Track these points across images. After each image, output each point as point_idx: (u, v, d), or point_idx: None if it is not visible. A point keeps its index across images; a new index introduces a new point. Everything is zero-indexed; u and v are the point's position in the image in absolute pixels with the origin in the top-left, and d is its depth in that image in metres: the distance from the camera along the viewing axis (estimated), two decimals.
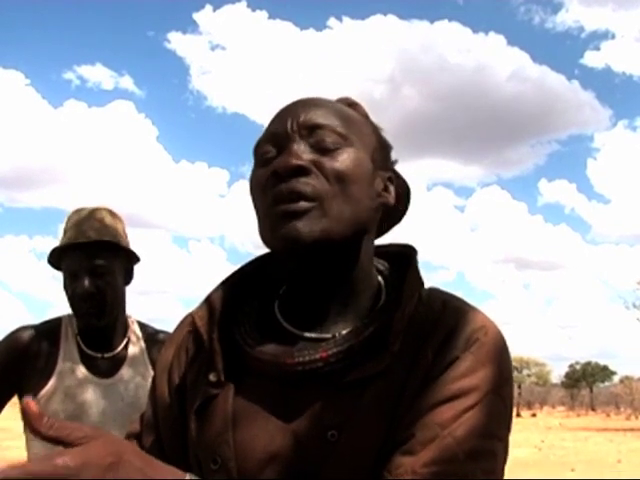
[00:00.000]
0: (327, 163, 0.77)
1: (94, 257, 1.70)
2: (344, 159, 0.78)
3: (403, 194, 0.90)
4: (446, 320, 0.77)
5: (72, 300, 1.71)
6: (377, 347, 0.75)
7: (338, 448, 0.72)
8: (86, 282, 1.68)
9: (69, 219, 1.77)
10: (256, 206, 0.80)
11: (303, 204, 0.75)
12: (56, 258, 1.77)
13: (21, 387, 1.72)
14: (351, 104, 0.88)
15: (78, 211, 1.78)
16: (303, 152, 0.77)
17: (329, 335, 0.78)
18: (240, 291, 0.86)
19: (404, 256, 0.86)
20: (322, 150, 0.78)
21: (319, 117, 0.80)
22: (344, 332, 0.78)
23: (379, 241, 0.89)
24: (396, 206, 0.87)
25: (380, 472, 0.70)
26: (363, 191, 0.79)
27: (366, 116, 0.88)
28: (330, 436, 0.72)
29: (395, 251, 0.88)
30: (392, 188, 0.85)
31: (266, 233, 0.78)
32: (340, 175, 0.77)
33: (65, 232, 1.76)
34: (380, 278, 0.85)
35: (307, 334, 0.79)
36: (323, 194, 0.76)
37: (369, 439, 0.72)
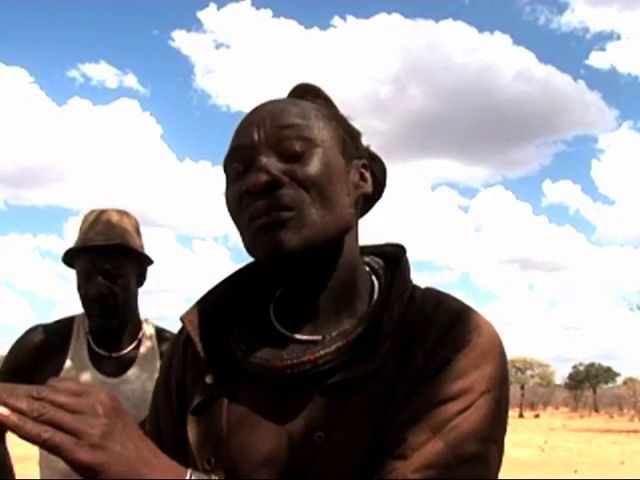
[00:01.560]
0: (298, 170, 0.76)
1: (106, 259, 1.72)
2: (314, 163, 0.76)
3: (381, 175, 0.89)
4: (439, 320, 0.76)
5: (84, 301, 1.73)
6: (367, 349, 0.75)
7: (326, 449, 0.72)
8: (98, 284, 1.70)
9: (84, 219, 1.79)
10: (235, 223, 0.80)
11: (281, 215, 0.74)
12: (70, 258, 1.79)
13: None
14: (313, 92, 0.86)
15: (93, 212, 1.80)
16: (272, 164, 0.76)
17: (319, 337, 0.78)
18: (235, 294, 0.87)
19: (396, 256, 0.86)
20: (291, 157, 0.77)
21: (283, 124, 0.78)
22: (334, 334, 0.78)
23: (373, 237, 0.89)
24: (374, 189, 0.87)
25: (370, 475, 0.70)
26: (339, 191, 0.78)
27: (330, 105, 0.86)
28: (317, 437, 0.72)
29: (389, 251, 0.88)
30: (368, 175, 0.84)
31: (248, 247, 0.79)
32: (313, 180, 0.76)
33: (80, 232, 1.78)
34: (374, 277, 0.85)
35: (298, 336, 0.79)
36: (300, 203, 0.75)
37: (357, 441, 0.72)
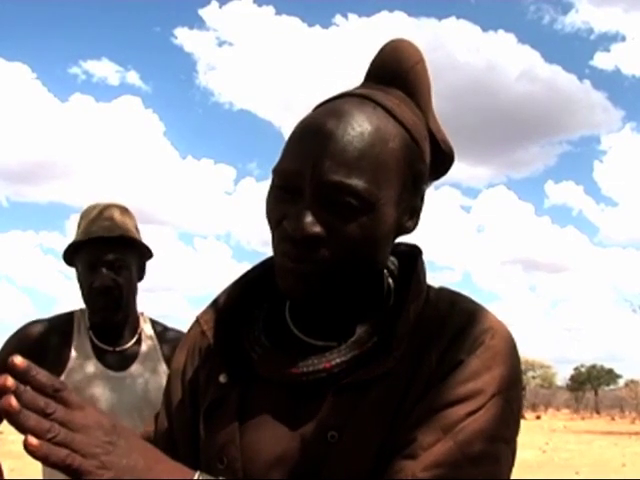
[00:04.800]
0: (342, 228, 0.73)
1: (112, 251, 1.72)
2: (362, 226, 0.73)
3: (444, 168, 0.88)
4: (453, 322, 0.76)
5: (89, 294, 1.73)
6: (381, 351, 0.75)
7: (338, 449, 0.71)
8: (103, 276, 1.71)
9: (85, 214, 1.80)
10: (270, 229, 0.79)
11: (310, 267, 0.73)
12: (71, 253, 1.78)
13: None
14: (405, 80, 0.80)
15: (94, 206, 1.80)
16: (316, 215, 0.72)
17: (335, 343, 0.77)
18: (250, 293, 0.86)
19: (411, 257, 0.85)
20: (339, 212, 0.73)
21: (339, 174, 0.71)
22: (350, 341, 0.77)
23: None
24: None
25: (381, 475, 0.70)
26: (380, 248, 0.76)
27: (417, 101, 0.80)
28: (330, 437, 0.72)
29: (404, 251, 0.87)
30: (419, 203, 0.81)
31: (275, 269, 0.78)
32: (355, 243, 0.73)
33: (80, 226, 1.78)
34: (390, 280, 0.84)
35: (314, 342, 0.79)
36: (333, 261, 0.73)
37: (370, 441, 0.72)
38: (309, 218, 0.72)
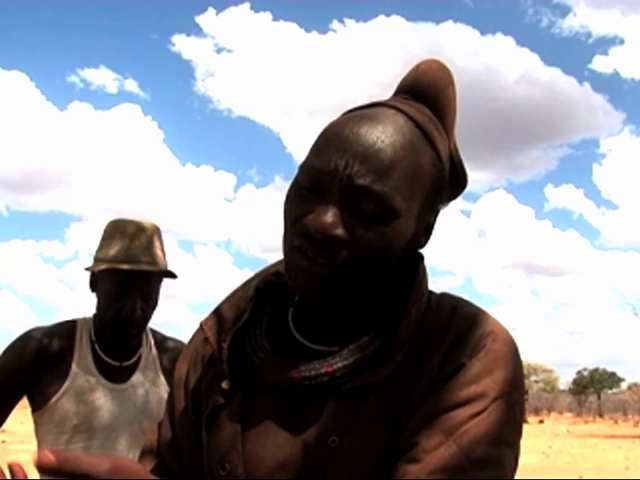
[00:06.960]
0: (363, 235, 0.73)
1: (148, 282, 1.71)
2: (383, 235, 0.73)
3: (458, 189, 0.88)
4: (454, 326, 0.76)
5: (114, 320, 1.70)
6: (382, 356, 0.75)
7: (339, 454, 0.71)
8: (135, 304, 1.69)
9: (117, 232, 1.72)
10: (284, 223, 0.79)
11: (325, 268, 0.73)
12: (102, 272, 1.71)
13: (32, 388, 1.72)
14: (434, 100, 0.80)
15: (125, 225, 1.73)
16: (340, 215, 0.73)
17: (337, 348, 0.77)
18: (253, 299, 0.86)
19: (413, 262, 0.84)
20: (362, 218, 0.73)
21: (368, 179, 0.72)
22: (351, 346, 0.77)
23: None
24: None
25: (384, 479, 0.70)
26: (394, 258, 0.77)
27: (443, 121, 0.81)
28: (331, 442, 0.72)
29: (406, 257, 0.87)
30: (433, 221, 0.82)
31: (285, 262, 0.78)
32: (373, 251, 0.74)
33: (112, 245, 1.71)
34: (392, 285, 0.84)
35: (315, 346, 0.79)
36: (348, 266, 0.73)
37: (371, 445, 0.72)
38: (332, 219, 0.72)
